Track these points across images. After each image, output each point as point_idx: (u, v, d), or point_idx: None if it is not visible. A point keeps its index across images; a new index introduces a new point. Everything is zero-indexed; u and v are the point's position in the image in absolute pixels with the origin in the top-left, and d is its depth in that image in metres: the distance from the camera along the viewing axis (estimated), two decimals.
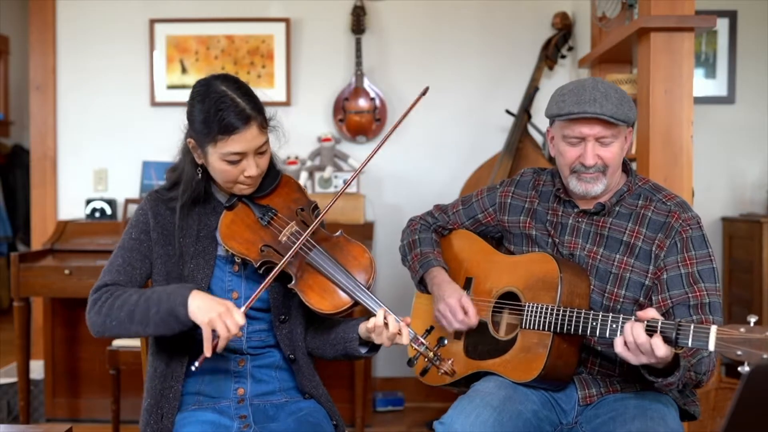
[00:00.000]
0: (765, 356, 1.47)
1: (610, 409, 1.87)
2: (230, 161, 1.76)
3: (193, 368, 1.70)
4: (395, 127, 1.88)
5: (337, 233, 1.88)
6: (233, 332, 1.66)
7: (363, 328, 1.80)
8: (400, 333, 1.73)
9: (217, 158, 1.77)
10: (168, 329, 1.71)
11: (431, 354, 1.80)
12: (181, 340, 1.81)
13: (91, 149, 3.99)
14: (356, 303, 1.79)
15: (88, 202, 3.83)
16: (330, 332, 1.90)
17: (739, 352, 1.50)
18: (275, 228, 1.84)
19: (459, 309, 2.03)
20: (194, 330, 1.70)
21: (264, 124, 1.79)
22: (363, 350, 1.84)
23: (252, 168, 1.78)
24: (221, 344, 1.66)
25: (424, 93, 1.88)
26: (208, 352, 1.65)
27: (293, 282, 1.79)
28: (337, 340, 1.87)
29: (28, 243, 5.05)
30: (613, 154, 1.92)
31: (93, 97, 3.98)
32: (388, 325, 1.72)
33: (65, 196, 4.00)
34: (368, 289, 1.79)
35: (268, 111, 1.84)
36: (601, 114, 1.86)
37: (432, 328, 1.93)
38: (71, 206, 3.97)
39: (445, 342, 1.86)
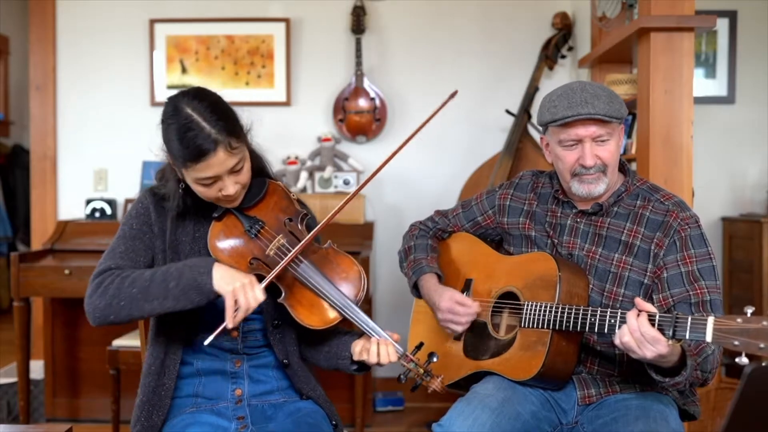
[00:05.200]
0: (762, 345, 1.47)
1: (612, 409, 1.87)
2: (204, 184, 1.74)
3: (207, 342, 1.69)
4: (419, 129, 1.88)
5: (326, 245, 1.86)
6: (253, 306, 1.67)
7: (355, 347, 1.81)
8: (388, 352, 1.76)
9: (191, 181, 1.75)
10: (188, 302, 1.69)
11: (421, 371, 1.81)
12: (177, 337, 1.81)
13: (91, 149, 3.99)
14: (345, 318, 1.79)
15: (88, 202, 3.83)
16: (323, 345, 1.89)
17: (736, 342, 1.51)
18: (263, 241, 1.82)
19: (456, 306, 2.04)
20: (213, 302, 1.70)
21: (233, 145, 1.71)
22: (354, 367, 1.84)
23: (229, 187, 1.75)
24: (240, 316, 1.67)
25: (452, 96, 1.88)
26: (230, 322, 1.67)
27: (282, 296, 1.78)
28: (330, 355, 1.88)
29: (28, 243, 5.05)
30: (611, 152, 1.93)
31: (93, 97, 3.98)
32: (378, 345, 1.75)
33: (65, 196, 4.00)
34: (358, 303, 1.79)
35: (245, 123, 1.79)
36: (594, 114, 1.87)
37: (422, 344, 1.91)
38: (71, 206, 3.98)
39: (435, 359, 1.84)
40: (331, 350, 1.87)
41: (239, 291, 1.66)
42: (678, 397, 1.95)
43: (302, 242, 1.78)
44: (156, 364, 1.83)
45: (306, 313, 1.78)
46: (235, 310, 1.66)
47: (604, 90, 1.92)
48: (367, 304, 3.31)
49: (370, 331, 1.78)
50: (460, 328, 2.07)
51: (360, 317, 1.78)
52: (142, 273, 1.73)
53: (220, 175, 1.73)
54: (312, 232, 1.80)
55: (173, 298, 1.68)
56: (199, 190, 1.76)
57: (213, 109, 1.72)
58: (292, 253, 1.76)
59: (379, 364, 1.77)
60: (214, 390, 1.86)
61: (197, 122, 1.69)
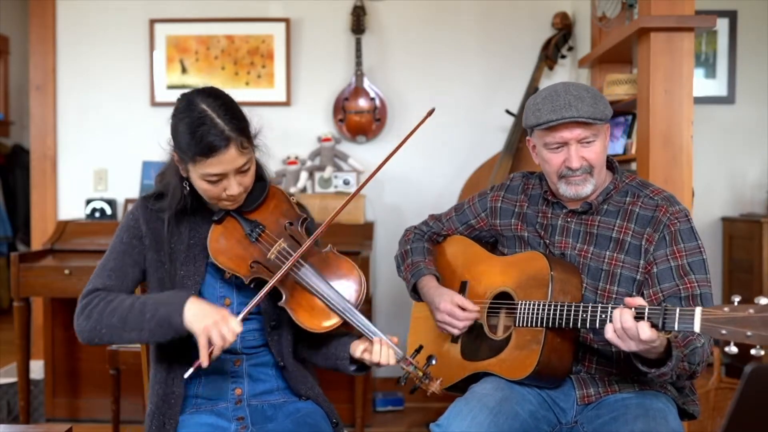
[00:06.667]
0: (749, 333, 1.47)
1: (611, 409, 1.88)
2: (210, 181, 1.74)
3: (186, 375, 1.69)
4: (397, 148, 1.88)
5: (326, 248, 1.86)
6: (229, 341, 1.66)
7: (354, 348, 1.81)
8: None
9: (197, 177, 1.75)
10: (163, 336, 1.70)
11: (420, 374, 1.82)
12: (182, 345, 1.79)
13: (91, 149, 3.99)
14: (346, 322, 1.79)
15: (88, 202, 3.84)
16: (321, 346, 1.89)
17: (723, 331, 1.51)
18: (263, 245, 1.83)
19: (456, 309, 2.05)
20: (189, 338, 1.69)
21: (245, 144, 1.74)
22: (352, 368, 1.84)
23: (233, 187, 1.75)
24: (216, 352, 1.66)
25: (430, 113, 1.89)
26: (204, 361, 1.65)
27: (283, 300, 1.78)
28: (328, 355, 1.87)
29: (28, 243, 5.05)
30: (597, 153, 1.93)
31: (93, 97, 3.98)
32: (381, 345, 1.75)
33: (65, 196, 4.00)
34: (358, 306, 1.80)
35: (254, 127, 1.81)
36: (578, 117, 1.87)
37: (421, 347, 1.92)
38: (71, 206, 3.98)
39: (434, 361, 1.85)
40: (329, 351, 1.87)
41: (212, 328, 1.64)
42: (677, 396, 1.95)
43: (303, 245, 1.78)
44: (162, 373, 1.83)
45: (307, 317, 1.78)
46: (212, 347, 1.65)
47: (588, 91, 1.92)
48: (366, 304, 3.30)
49: (371, 334, 1.78)
50: (456, 331, 2.08)
51: (360, 320, 1.78)
52: (123, 301, 1.74)
53: (227, 173, 1.74)
54: (312, 236, 1.80)
55: (149, 332, 1.70)
56: (204, 187, 1.76)
57: (227, 108, 1.75)
58: (294, 256, 1.76)
59: (378, 364, 1.77)
60: (214, 390, 1.86)
61: (211, 118, 1.71)
